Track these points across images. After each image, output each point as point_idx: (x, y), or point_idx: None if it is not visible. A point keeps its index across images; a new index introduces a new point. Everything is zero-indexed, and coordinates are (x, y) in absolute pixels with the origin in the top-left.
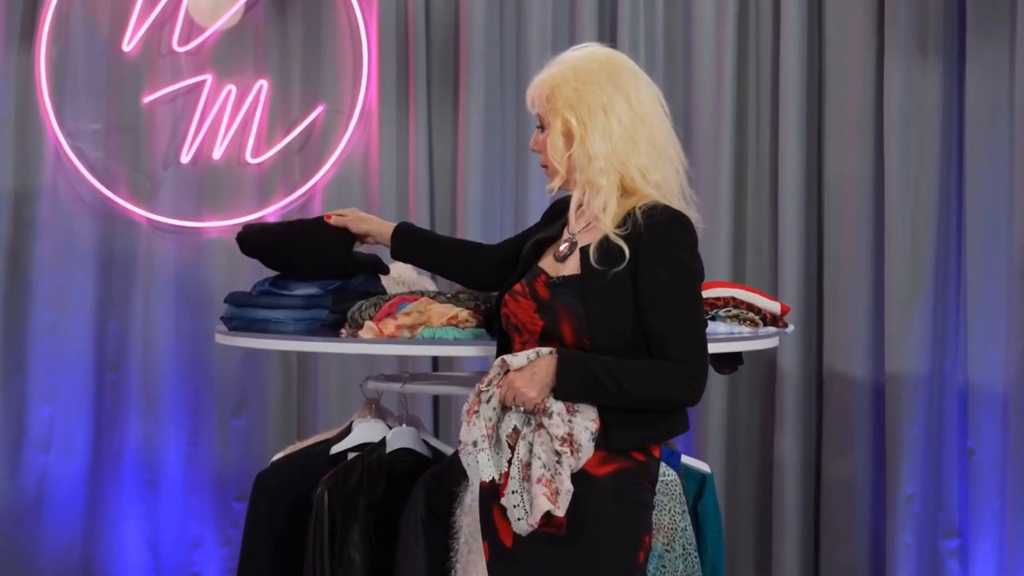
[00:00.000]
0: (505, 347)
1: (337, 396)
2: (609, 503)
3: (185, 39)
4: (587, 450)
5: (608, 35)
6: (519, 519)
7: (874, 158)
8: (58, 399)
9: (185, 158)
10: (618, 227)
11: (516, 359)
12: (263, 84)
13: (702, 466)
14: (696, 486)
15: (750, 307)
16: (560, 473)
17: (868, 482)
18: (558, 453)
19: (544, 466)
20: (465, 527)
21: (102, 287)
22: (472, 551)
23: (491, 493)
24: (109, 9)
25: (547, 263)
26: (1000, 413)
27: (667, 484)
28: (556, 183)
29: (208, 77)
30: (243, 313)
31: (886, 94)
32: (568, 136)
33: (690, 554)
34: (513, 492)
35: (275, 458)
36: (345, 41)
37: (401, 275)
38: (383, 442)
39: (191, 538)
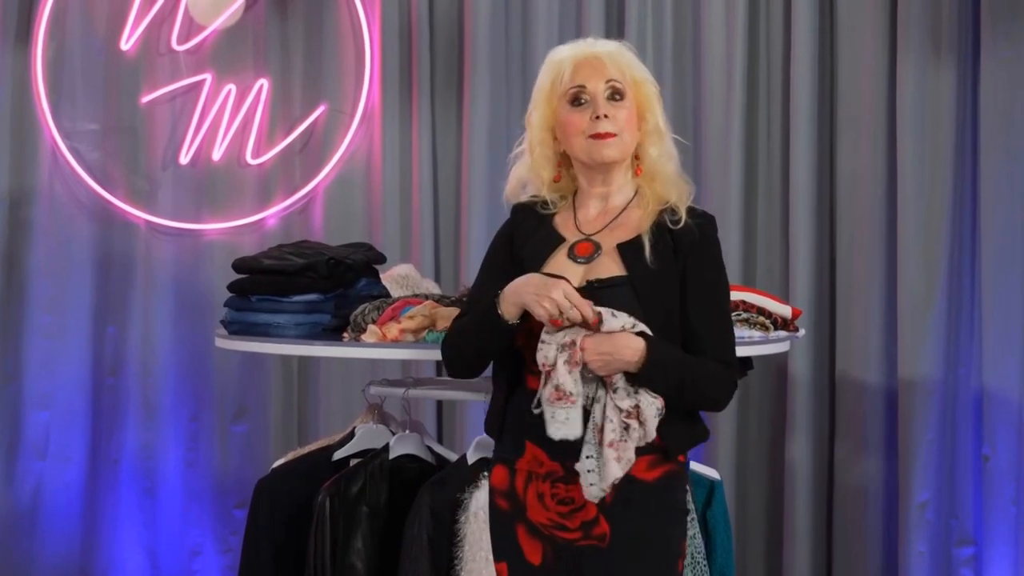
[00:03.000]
0: (519, 361)
1: (339, 401)
2: (658, 509)
3: (184, 38)
4: (652, 426)
5: (616, 33)
6: (591, 484)
7: (887, 158)
8: (55, 405)
9: (184, 159)
10: (662, 226)
11: (614, 320)
12: (264, 83)
13: (712, 473)
14: (705, 493)
15: (761, 311)
16: (628, 441)
17: (881, 489)
18: (626, 424)
19: (614, 431)
20: (469, 535)
21: (100, 290)
22: (476, 559)
23: (511, 513)
24: (107, 7)
25: (561, 267)
26: (1015, 419)
27: None
28: (614, 157)
29: (208, 76)
30: (244, 317)
31: (899, 93)
32: (638, 118)
33: (699, 562)
34: (588, 457)
35: (276, 464)
36: (347, 39)
37: (405, 276)
38: (386, 448)
39: (190, 546)
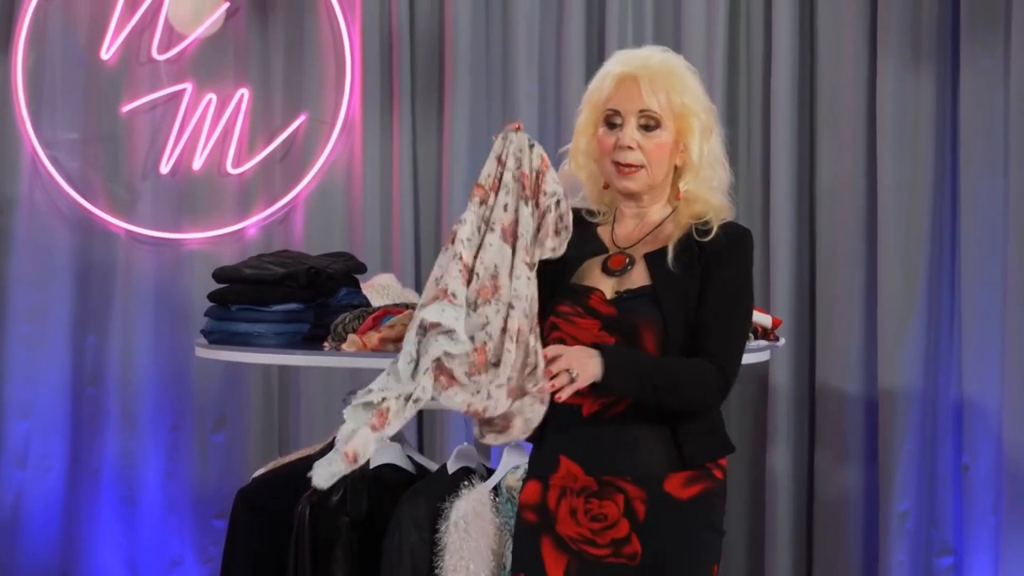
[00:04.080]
0: None
1: (320, 411)
2: (694, 532)
3: (165, 47)
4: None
5: (596, 48)
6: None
7: (866, 167)
8: (34, 414)
9: (164, 168)
10: (691, 237)
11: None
12: (244, 93)
13: None
14: None
15: None
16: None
17: (861, 498)
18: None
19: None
20: (450, 544)
21: (79, 300)
22: (456, 569)
23: (538, 525)
24: (87, 16)
25: (595, 279)
26: (995, 429)
27: None
28: (634, 189)
29: (188, 85)
30: (224, 326)
31: (879, 102)
32: (675, 146)
33: None
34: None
35: (256, 474)
36: (328, 49)
37: (386, 286)
38: None
39: (170, 556)
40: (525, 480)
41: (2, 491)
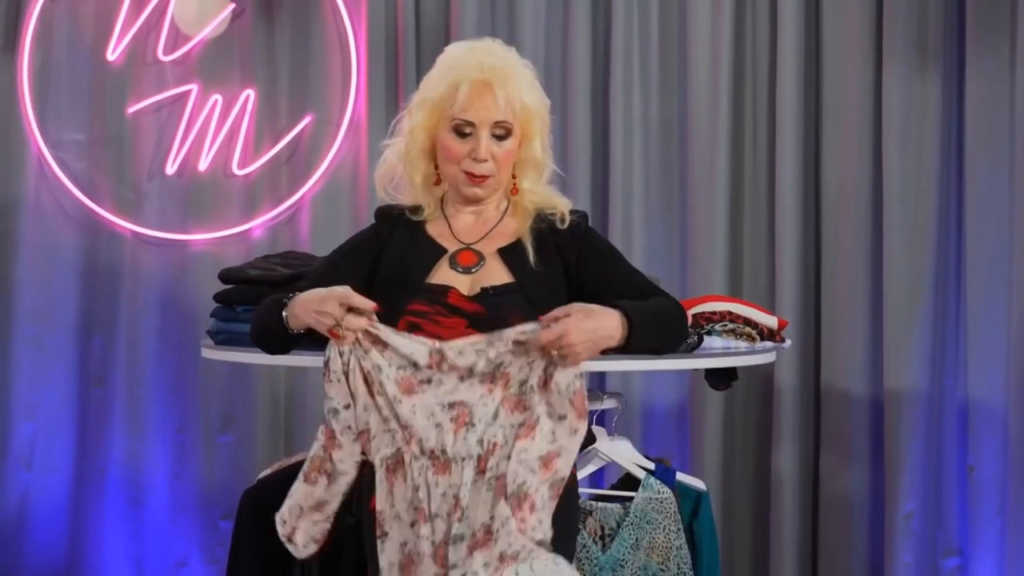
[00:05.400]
0: None
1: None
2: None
3: (171, 48)
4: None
5: (602, 45)
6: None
7: (872, 169)
8: (41, 415)
9: (170, 169)
10: (542, 229)
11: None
12: (250, 94)
13: (698, 483)
14: (691, 504)
15: (747, 321)
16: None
17: (867, 500)
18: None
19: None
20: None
21: (86, 301)
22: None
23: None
24: (93, 17)
25: (445, 277)
26: (1001, 430)
27: (662, 502)
28: (483, 196)
29: (194, 87)
30: (230, 327)
31: (884, 104)
32: (518, 147)
33: (685, 573)
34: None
35: (262, 475)
36: (333, 50)
37: None
38: None
39: (176, 557)
40: None
41: (8, 492)
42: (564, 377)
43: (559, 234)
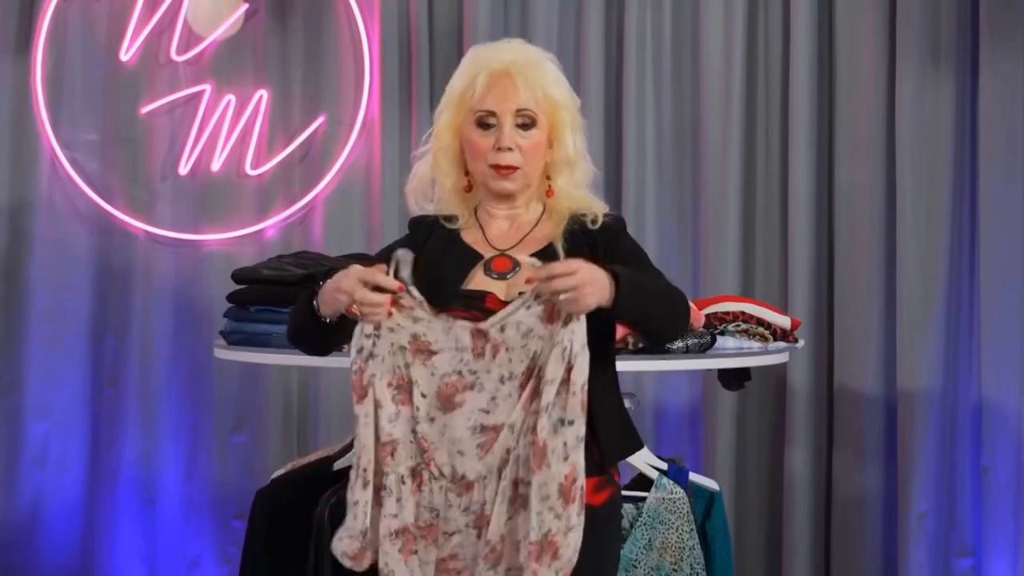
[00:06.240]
0: None
1: (338, 411)
2: (611, 541)
3: (184, 48)
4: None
5: (615, 45)
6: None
7: (886, 171)
8: (54, 415)
9: (183, 169)
10: (575, 231)
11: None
12: (263, 94)
13: (711, 484)
14: (704, 504)
15: (760, 322)
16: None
17: (880, 500)
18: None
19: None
20: None
21: (99, 301)
22: None
23: None
24: (107, 17)
25: (481, 283)
26: (1014, 431)
27: (675, 502)
28: (513, 190)
29: (207, 87)
30: (243, 327)
31: (898, 106)
32: (547, 142)
33: (698, 574)
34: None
35: (275, 475)
36: (347, 50)
37: None
38: None
39: (190, 557)
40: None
41: (22, 492)
42: (580, 374)
43: (590, 235)
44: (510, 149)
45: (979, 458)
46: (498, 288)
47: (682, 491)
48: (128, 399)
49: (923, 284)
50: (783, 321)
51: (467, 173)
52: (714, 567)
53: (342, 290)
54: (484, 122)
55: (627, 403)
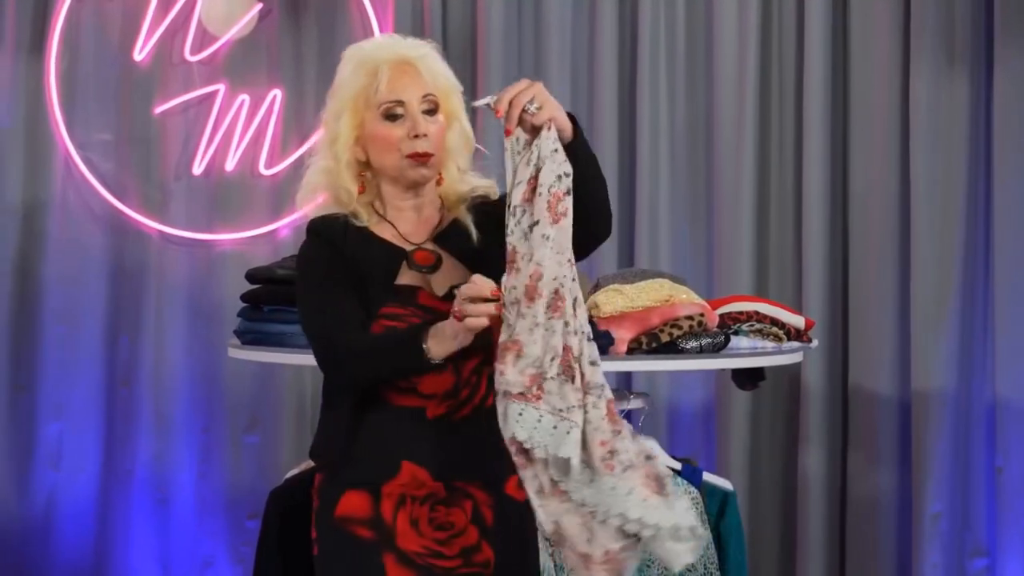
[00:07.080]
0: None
1: None
2: (535, 535)
3: (198, 48)
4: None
5: (628, 44)
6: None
7: (900, 170)
8: (68, 415)
9: (197, 169)
10: (479, 206)
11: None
12: (277, 93)
13: (724, 483)
14: (718, 504)
15: (774, 321)
16: None
17: (894, 500)
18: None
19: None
20: None
21: (113, 301)
22: None
23: (377, 542)
24: (120, 18)
25: (410, 278)
26: None
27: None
28: (430, 177)
29: (221, 87)
30: (256, 327)
31: (912, 105)
32: (445, 126)
33: (712, 573)
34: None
35: (289, 475)
36: None
37: None
38: None
39: (203, 557)
40: (336, 491)
41: (35, 491)
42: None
43: (494, 204)
44: (425, 135)
45: (994, 458)
46: (427, 282)
47: (696, 490)
48: (142, 399)
49: (937, 284)
50: (797, 321)
51: (362, 173)
52: (728, 567)
53: (457, 330)
54: (391, 113)
55: (639, 404)
